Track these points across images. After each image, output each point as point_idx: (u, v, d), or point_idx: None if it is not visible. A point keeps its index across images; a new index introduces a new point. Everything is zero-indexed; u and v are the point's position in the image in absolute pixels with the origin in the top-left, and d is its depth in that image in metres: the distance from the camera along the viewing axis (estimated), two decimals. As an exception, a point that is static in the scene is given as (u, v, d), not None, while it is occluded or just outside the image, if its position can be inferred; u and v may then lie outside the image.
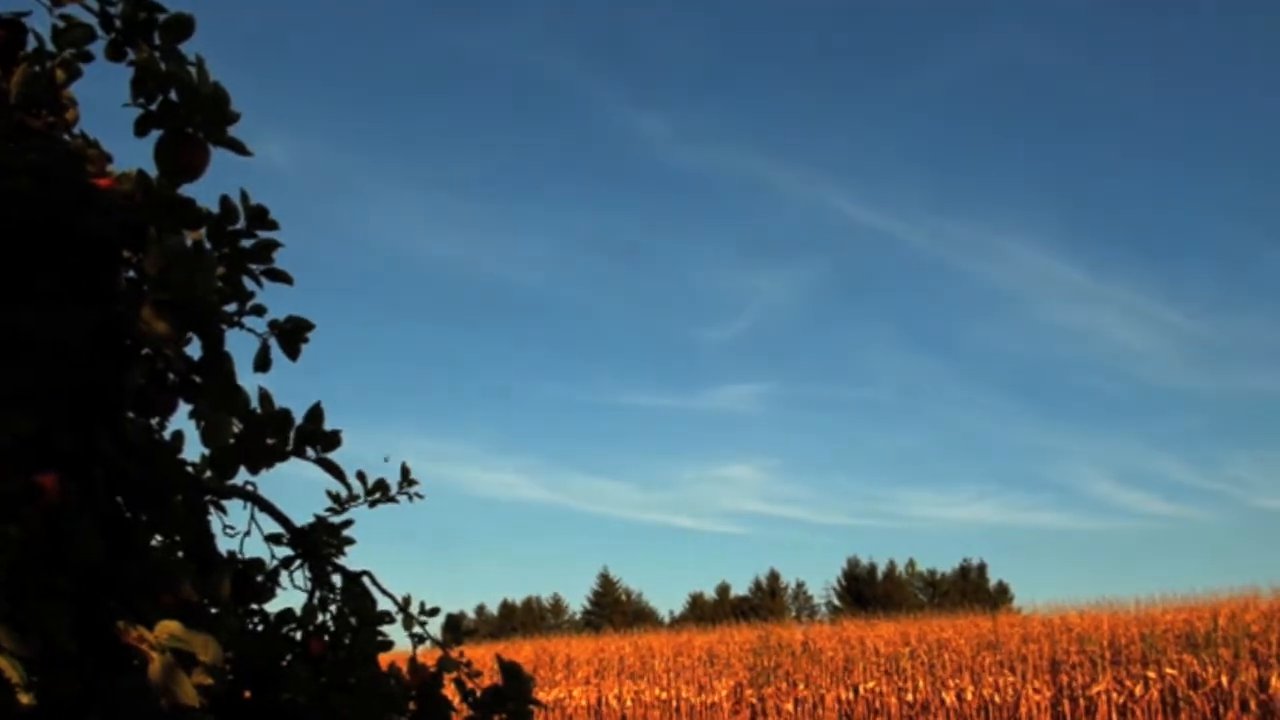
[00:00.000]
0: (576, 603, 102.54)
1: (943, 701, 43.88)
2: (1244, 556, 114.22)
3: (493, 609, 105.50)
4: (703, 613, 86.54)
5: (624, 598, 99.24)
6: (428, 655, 3.03)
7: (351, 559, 3.31)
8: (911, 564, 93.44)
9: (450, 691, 3.02)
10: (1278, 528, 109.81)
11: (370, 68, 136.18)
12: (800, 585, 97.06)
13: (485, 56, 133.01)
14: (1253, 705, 36.92)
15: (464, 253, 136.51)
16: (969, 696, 43.37)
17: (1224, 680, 37.66)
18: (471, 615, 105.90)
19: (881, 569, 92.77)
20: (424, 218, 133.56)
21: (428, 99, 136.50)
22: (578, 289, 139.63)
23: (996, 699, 42.74)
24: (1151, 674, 39.29)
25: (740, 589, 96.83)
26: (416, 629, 3.24)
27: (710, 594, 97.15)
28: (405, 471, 3.51)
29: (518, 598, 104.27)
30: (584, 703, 56.62)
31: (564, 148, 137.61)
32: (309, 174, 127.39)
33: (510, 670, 2.95)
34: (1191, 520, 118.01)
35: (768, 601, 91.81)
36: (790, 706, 47.71)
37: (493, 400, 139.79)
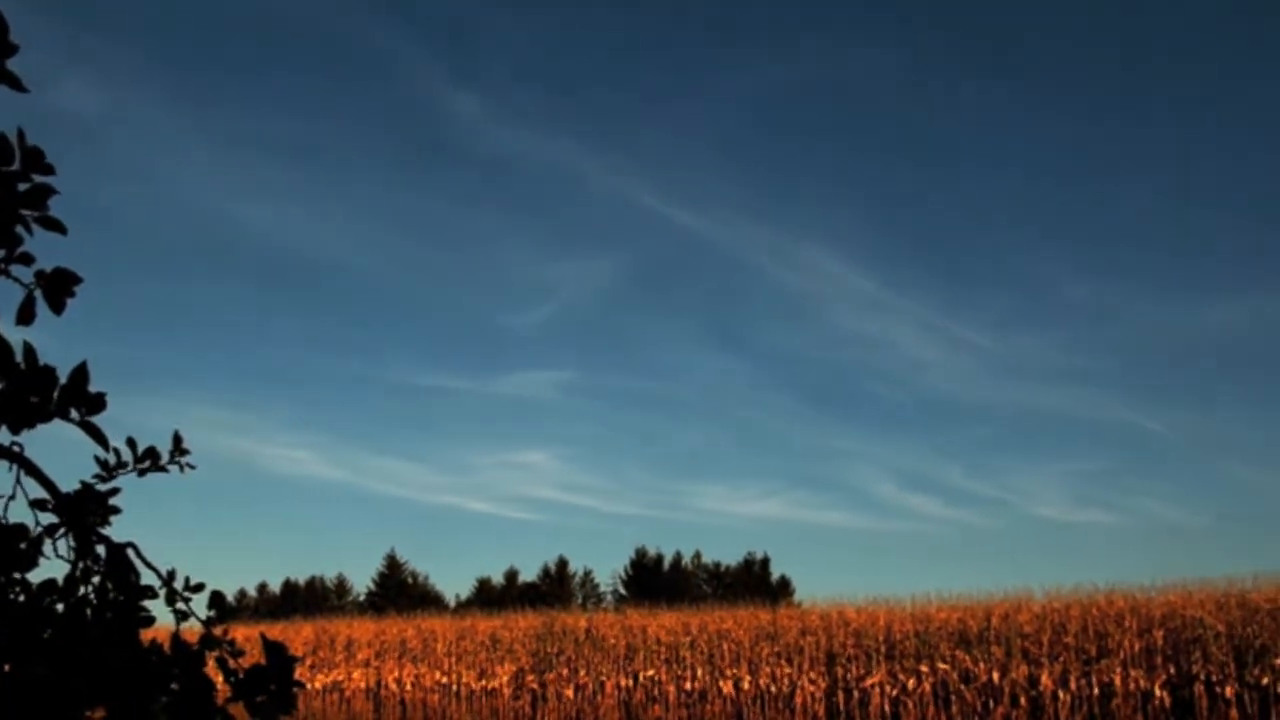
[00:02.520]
0: (362, 584, 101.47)
1: (720, 691, 44.39)
2: (1020, 560, 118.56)
3: (275, 587, 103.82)
4: (490, 598, 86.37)
5: (410, 580, 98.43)
6: (191, 633, 2.89)
7: (131, 531, 3.15)
8: (697, 556, 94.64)
9: (213, 670, 2.89)
10: (1052, 534, 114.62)
11: (191, 22, 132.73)
12: (588, 573, 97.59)
13: (307, 19, 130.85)
14: (1023, 701, 38.07)
15: (270, 219, 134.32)
16: (746, 686, 43.97)
17: (995, 676, 38.77)
18: (253, 593, 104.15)
19: (668, 560, 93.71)
20: (232, 179, 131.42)
21: (245, 57, 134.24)
22: (383, 264, 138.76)
23: (773, 689, 43.39)
24: (925, 669, 40.25)
25: (529, 575, 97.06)
26: (180, 605, 3.09)
27: (498, 579, 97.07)
28: (177, 440, 3.35)
29: (302, 577, 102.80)
30: (363, 685, 56.08)
31: (377, 119, 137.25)
32: (118, 125, 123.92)
33: (273, 649, 2.83)
34: (971, 525, 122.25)
35: (555, 588, 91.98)
36: (570, 693, 47.82)
37: (288, 373, 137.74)
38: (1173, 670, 36.93)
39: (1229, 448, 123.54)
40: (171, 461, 3.31)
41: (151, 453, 3.29)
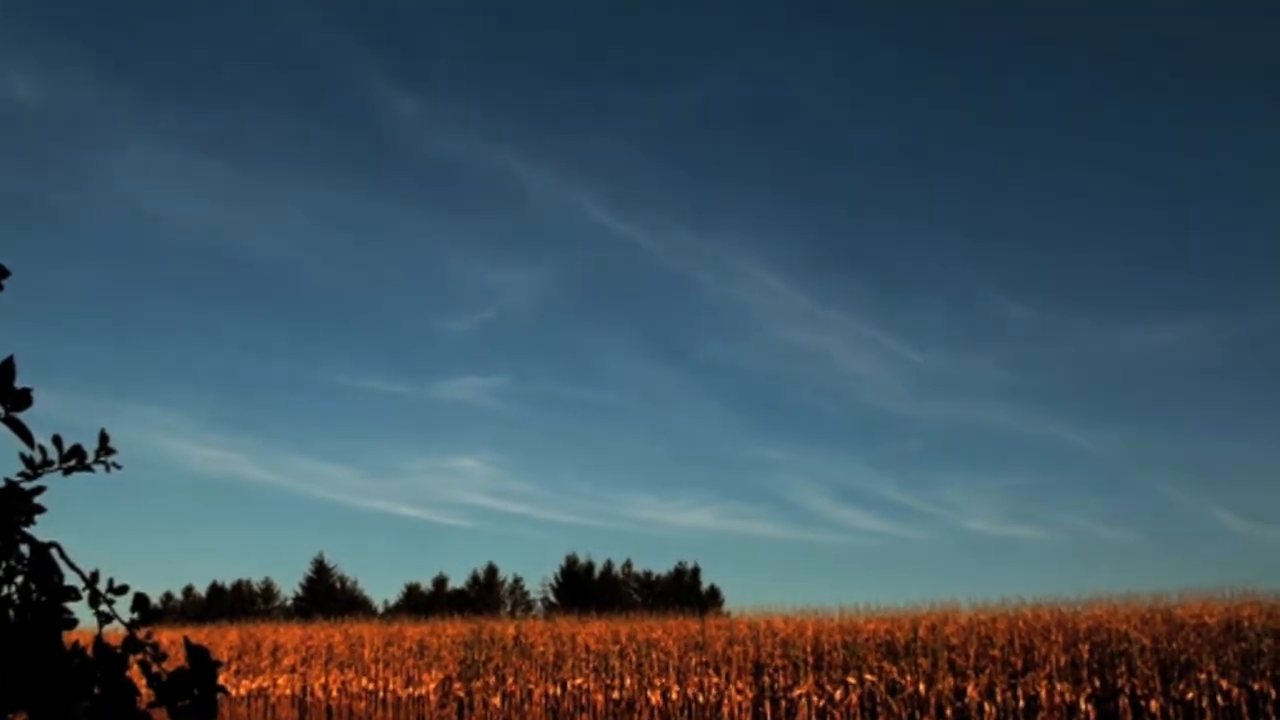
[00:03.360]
0: (289, 588, 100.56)
1: (648, 700, 44.35)
2: (950, 574, 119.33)
3: (201, 591, 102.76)
4: (418, 604, 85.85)
5: (339, 585, 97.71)
6: (114, 635, 2.83)
7: (55, 531, 3.08)
8: (628, 564, 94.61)
9: (136, 674, 2.83)
10: (982, 548, 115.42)
11: (131, 17, 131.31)
12: (518, 580, 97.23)
13: (249, 16, 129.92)
14: (949, 712, 38.28)
15: (206, 216, 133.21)
16: (674, 695, 43.96)
17: (921, 688, 38.93)
18: (179, 597, 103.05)
19: (599, 568, 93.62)
20: (169, 176, 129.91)
21: (185, 53, 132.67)
22: (320, 265, 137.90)
23: (700, 698, 43.42)
24: (852, 679, 40.37)
25: (458, 581, 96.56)
26: (103, 607, 3.03)
27: (428, 585, 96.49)
28: (104, 439, 3.28)
29: (228, 580, 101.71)
30: (288, 692, 55.59)
31: (318, 119, 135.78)
32: (53, 118, 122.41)
33: (196, 653, 2.78)
34: (901, 538, 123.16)
35: (484, 595, 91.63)
36: (498, 701, 47.65)
37: (219, 373, 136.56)
38: (1098, 684, 37.24)
39: (1157, 466, 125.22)
40: (97, 460, 3.25)
41: (77, 451, 3.23)
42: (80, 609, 2.99)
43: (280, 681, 56.30)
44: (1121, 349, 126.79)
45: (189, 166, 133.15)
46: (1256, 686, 35.15)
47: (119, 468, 3.30)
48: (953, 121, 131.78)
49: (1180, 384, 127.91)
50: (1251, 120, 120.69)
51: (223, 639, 59.35)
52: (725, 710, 42.82)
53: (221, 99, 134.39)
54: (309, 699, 54.89)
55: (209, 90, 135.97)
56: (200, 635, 58.22)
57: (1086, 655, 37.57)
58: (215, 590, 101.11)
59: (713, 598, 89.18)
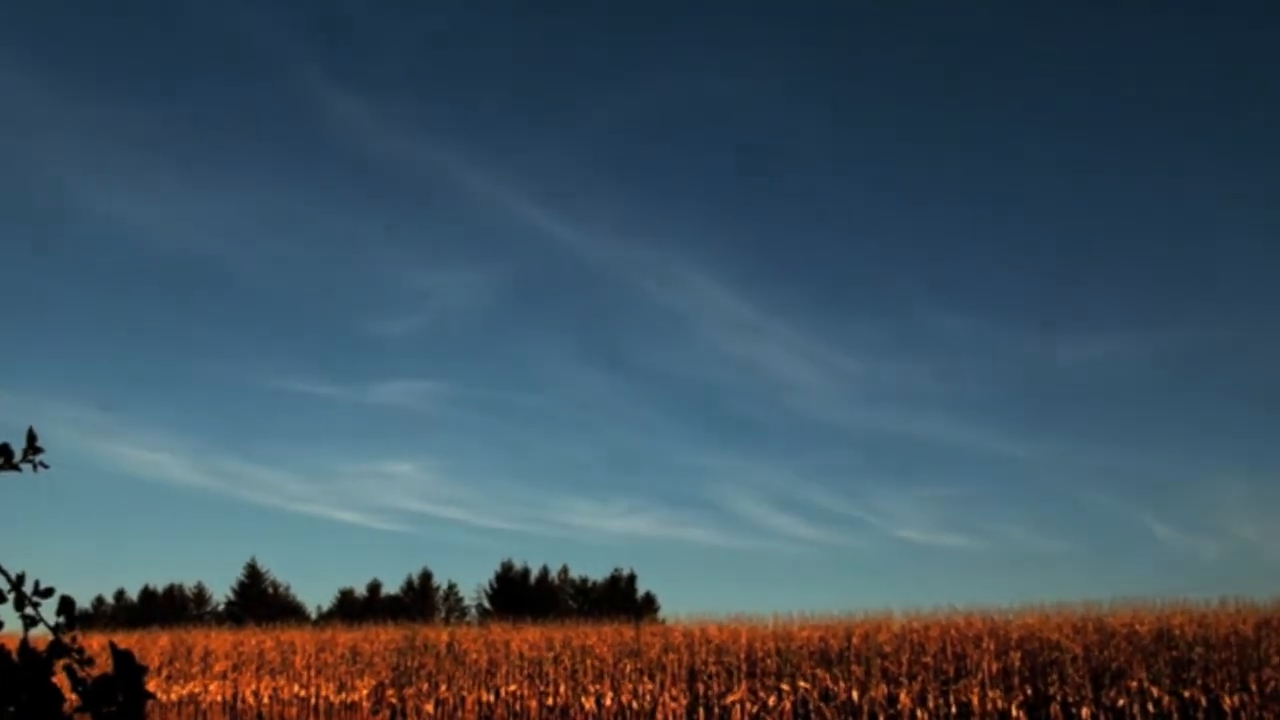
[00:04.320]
0: (222, 593, 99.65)
1: (582, 707, 44.26)
2: (882, 582, 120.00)
3: (133, 595, 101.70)
4: (352, 610, 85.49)
5: (271, 590, 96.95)
6: (40, 640, 2.75)
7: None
8: (564, 571, 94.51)
9: (62, 680, 2.76)
10: (914, 557, 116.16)
11: (65, 8, 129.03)
12: (453, 586, 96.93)
13: (187, 11, 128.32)
14: (881, 719, 38.41)
15: (141, 213, 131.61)
16: (608, 702, 43.88)
17: (855, 695, 39.08)
18: (110, 601, 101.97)
19: (535, 574, 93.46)
20: (104, 171, 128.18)
21: (119, 47, 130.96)
22: (255, 265, 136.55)
23: (635, 705, 43.37)
24: (785, 686, 40.45)
25: (392, 587, 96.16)
26: (29, 610, 2.95)
27: (361, 591, 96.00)
28: (31, 438, 3.21)
29: (160, 585, 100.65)
30: (219, 698, 55.04)
31: (256, 116, 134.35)
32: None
33: (122, 659, 2.71)
34: (835, 546, 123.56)
35: (418, 601, 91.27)
36: (431, 708, 47.41)
37: (152, 374, 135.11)
38: (1030, 691, 37.50)
39: (1090, 477, 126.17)
40: (25, 460, 3.18)
41: (4, 450, 3.15)
42: (5, 612, 2.92)
43: (211, 688, 55.74)
44: (1056, 362, 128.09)
45: (119, 158, 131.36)
46: (1187, 694, 35.51)
47: (46, 467, 3.22)
48: (889, 136, 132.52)
49: (1113, 396, 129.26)
50: (1178, 137, 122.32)
51: (154, 644, 58.69)
52: (659, 717, 42.78)
53: (156, 95, 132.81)
54: (240, 705, 54.37)
55: (143, 86, 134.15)
56: (131, 640, 57.60)
57: (1018, 663, 37.83)
58: (147, 594, 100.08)
59: (648, 604, 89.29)
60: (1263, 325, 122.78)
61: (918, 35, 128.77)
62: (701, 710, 42.19)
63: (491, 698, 46.71)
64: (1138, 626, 37.24)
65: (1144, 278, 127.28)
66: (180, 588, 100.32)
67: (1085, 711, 36.09)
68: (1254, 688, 34.96)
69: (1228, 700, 35.01)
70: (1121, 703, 35.79)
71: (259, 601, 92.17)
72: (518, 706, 45.95)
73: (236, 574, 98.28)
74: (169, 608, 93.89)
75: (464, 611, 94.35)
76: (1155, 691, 35.71)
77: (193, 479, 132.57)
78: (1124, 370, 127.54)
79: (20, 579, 2.98)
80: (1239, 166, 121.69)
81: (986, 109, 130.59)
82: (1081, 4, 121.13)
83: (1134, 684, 35.83)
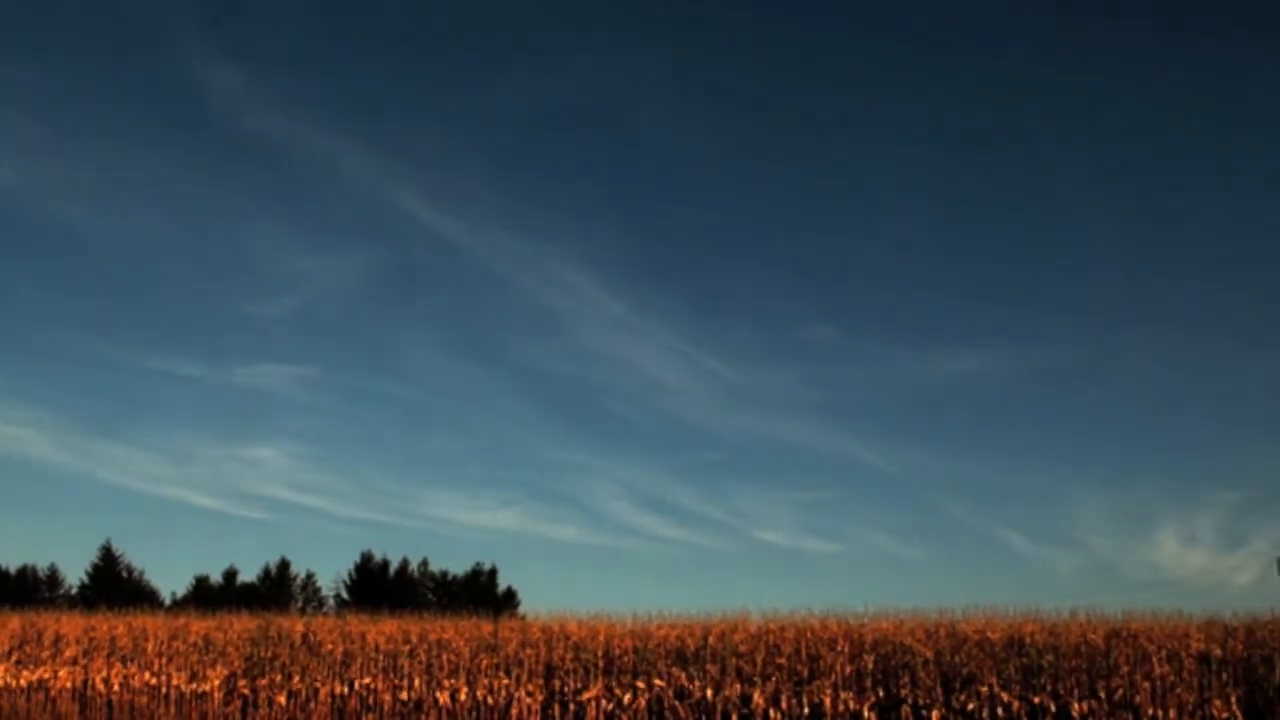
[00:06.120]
0: (75, 575, 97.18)
1: (436, 701, 43.69)
2: (743, 582, 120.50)
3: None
4: (207, 597, 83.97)
5: (126, 574, 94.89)
6: None
7: None
8: (424, 563, 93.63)
9: None
10: (772, 557, 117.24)
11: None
12: (310, 576, 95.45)
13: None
14: (734, 718, 38.25)
15: (10, 178, 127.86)
16: (462, 697, 43.34)
17: (709, 694, 38.87)
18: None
19: (395, 566, 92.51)
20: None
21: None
22: (124, 236, 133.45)
23: (490, 700, 42.88)
24: (641, 684, 40.15)
25: (249, 575, 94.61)
26: None
27: (217, 578, 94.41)
28: None
29: (12, 565, 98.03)
30: (69, 685, 53.78)
31: (132, 83, 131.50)
32: None
33: None
34: (699, 546, 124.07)
35: (275, 590, 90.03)
36: (283, 699, 46.54)
37: (8, 344, 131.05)
38: (882, 694, 37.47)
39: (950, 487, 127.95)
40: None
41: None
42: None
43: (61, 674, 54.37)
44: (926, 374, 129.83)
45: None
46: (1036, 700, 35.61)
47: None
48: (770, 144, 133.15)
49: (980, 409, 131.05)
50: (1051, 156, 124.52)
51: (4, 627, 57.21)
52: (514, 712, 42.27)
53: (29, 55, 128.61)
54: (90, 692, 53.08)
55: (14, 44, 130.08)
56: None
57: (871, 666, 37.78)
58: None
59: (509, 600, 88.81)
60: (1124, 344, 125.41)
61: (800, 43, 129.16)
62: (557, 706, 41.75)
63: (345, 690, 45.92)
64: (989, 633, 37.34)
65: (1017, 295, 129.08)
66: (33, 568, 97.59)
67: (935, 715, 36.08)
68: (1103, 695, 35.14)
69: (1076, 707, 35.15)
70: (971, 707, 35.83)
71: (113, 586, 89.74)
72: (371, 700, 45.20)
73: (91, 557, 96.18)
74: (20, 589, 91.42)
75: (321, 602, 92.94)
76: (1005, 697, 35.78)
77: (52, 456, 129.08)
78: (992, 384, 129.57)
79: None
80: (1104, 190, 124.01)
81: (858, 123, 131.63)
82: (921, 21, 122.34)
83: (984, 689, 35.88)
